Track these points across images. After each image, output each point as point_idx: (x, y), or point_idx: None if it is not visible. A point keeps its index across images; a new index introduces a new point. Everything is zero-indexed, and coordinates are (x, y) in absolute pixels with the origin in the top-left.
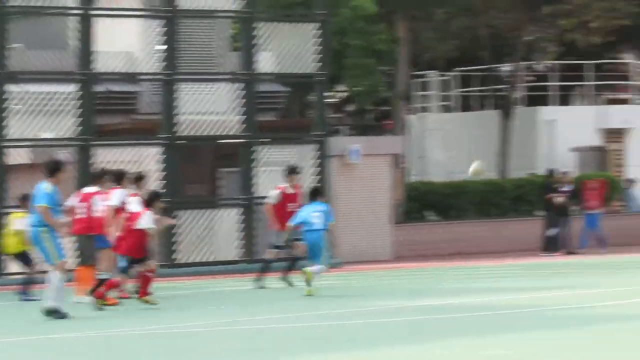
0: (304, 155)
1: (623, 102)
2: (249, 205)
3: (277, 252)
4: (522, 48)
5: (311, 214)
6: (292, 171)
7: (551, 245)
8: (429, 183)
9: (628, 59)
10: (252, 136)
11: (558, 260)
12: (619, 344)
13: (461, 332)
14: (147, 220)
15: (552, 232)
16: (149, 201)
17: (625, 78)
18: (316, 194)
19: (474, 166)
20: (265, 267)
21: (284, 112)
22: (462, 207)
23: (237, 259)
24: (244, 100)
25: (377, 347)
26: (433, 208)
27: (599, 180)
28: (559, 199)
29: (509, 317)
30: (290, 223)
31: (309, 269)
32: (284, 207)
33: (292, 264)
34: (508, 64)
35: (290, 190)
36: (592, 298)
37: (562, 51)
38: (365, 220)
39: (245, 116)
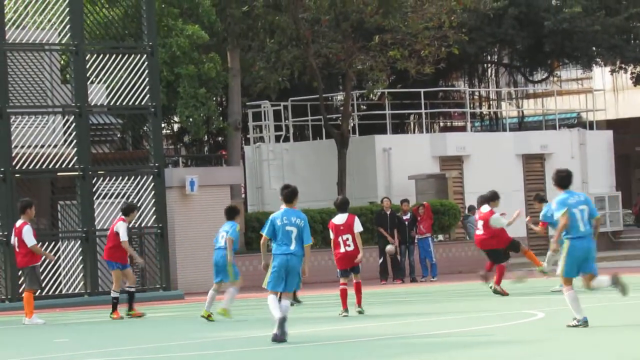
0: (141, 186)
1: (459, 129)
2: (88, 237)
3: None
4: (354, 77)
5: (221, 233)
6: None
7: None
8: (268, 214)
9: (460, 86)
10: (88, 168)
11: (398, 288)
12: None
13: None
14: None
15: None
16: None
17: (459, 105)
18: (232, 213)
19: None
20: None
21: (120, 144)
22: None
23: (80, 291)
24: (78, 133)
25: None
26: None
27: (425, 206)
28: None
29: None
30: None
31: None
32: None
33: None
34: (340, 93)
35: None
36: (448, 324)
37: (394, 80)
38: (205, 251)
39: (80, 148)
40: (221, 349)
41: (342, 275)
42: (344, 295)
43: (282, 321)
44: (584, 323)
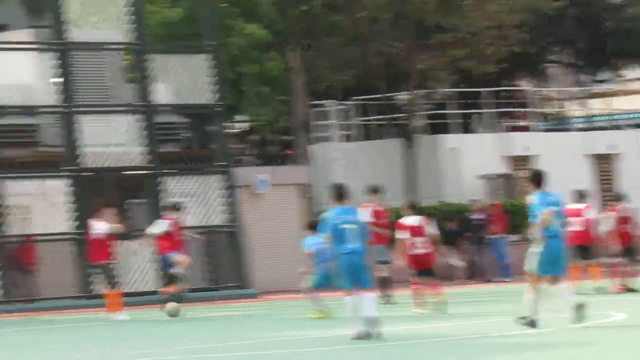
0: (208, 186)
1: (524, 129)
2: None
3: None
4: (417, 76)
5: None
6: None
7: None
8: None
9: (524, 85)
10: (157, 167)
11: (472, 288)
12: None
13: None
14: None
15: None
16: None
17: (523, 105)
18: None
19: None
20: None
21: (186, 143)
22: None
23: (152, 289)
24: (144, 132)
25: None
26: None
27: (497, 207)
28: None
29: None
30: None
31: None
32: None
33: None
34: (405, 92)
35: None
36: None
37: (458, 79)
38: (274, 249)
39: (147, 147)
40: (296, 348)
41: (415, 276)
42: (419, 295)
43: (371, 320)
44: (531, 323)
